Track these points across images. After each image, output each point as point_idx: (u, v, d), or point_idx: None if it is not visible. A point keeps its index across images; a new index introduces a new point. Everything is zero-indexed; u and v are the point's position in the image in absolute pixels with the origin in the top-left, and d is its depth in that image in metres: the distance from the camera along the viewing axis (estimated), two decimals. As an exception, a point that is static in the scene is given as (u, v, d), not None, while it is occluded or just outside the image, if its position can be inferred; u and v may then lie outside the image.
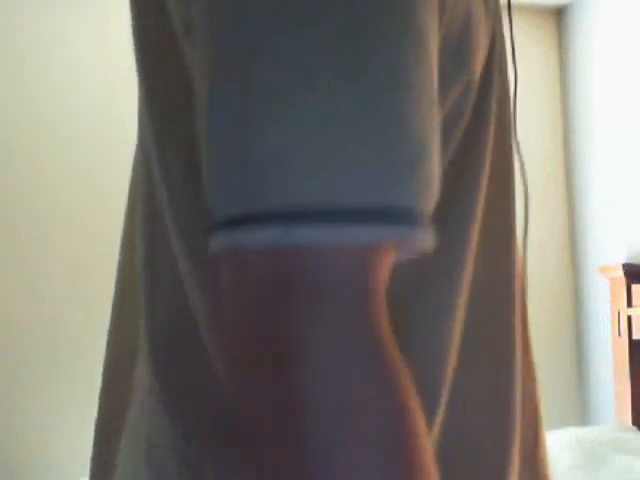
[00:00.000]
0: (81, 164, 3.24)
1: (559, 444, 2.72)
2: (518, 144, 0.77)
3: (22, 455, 3.06)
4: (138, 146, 0.67)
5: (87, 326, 3.17)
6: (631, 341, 3.06)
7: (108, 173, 3.26)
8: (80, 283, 3.18)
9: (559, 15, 3.92)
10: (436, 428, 0.61)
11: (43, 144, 3.21)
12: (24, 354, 3.10)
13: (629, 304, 3.09)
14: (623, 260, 3.42)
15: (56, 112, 3.23)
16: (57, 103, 3.24)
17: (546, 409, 3.65)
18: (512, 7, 3.81)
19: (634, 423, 3.02)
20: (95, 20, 3.31)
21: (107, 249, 3.22)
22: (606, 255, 3.52)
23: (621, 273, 3.10)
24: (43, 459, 3.08)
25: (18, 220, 3.15)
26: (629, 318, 3.08)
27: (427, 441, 0.45)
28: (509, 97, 0.70)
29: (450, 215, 0.62)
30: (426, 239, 0.48)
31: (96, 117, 3.27)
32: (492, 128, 0.65)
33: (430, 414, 0.60)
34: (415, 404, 0.45)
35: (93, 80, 3.29)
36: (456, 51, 0.59)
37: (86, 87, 3.28)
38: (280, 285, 0.45)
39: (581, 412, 3.67)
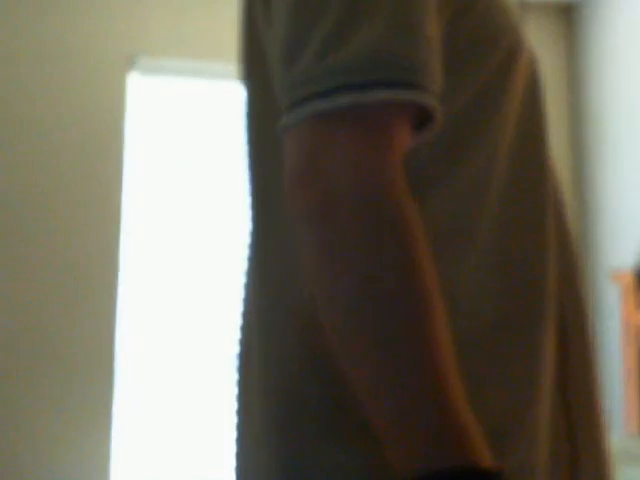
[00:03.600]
0: (76, 165, 3.25)
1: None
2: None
3: (16, 456, 3.09)
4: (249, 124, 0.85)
5: (83, 329, 3.19)
6: (640, 349, 3.03)
7: (106, 173, 3.27)
8: (78, 285, 3.20)
9: (569, 12, 3.87)
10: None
11: (38, 145, 3.23)
12: (19, 358, 3.13)
13: (639, 310, 3.05)
14: (633, 265, 3.38)
15: (50, 115, 3.25)
16: (51, 106, 3.26)
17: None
18: (522, 4, 3.76)
19: (642, 433, 2.99)
20: (88, 23, 3.32)
21: (104, 250, 3.23)
22: (616, 260, 3.48)
23: (631, 279, 3.06)
24: (36, 462, 3.10)
25: (12, 221, 3.17)
26: (639, 325, 3.04)
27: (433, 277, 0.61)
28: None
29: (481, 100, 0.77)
30: (433, 107, 0.64)
31: (89, 119, 3.29)
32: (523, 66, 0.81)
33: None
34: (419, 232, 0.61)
35: (87, 80, 3.30)
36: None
37: (80, 87, 3.29)
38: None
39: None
